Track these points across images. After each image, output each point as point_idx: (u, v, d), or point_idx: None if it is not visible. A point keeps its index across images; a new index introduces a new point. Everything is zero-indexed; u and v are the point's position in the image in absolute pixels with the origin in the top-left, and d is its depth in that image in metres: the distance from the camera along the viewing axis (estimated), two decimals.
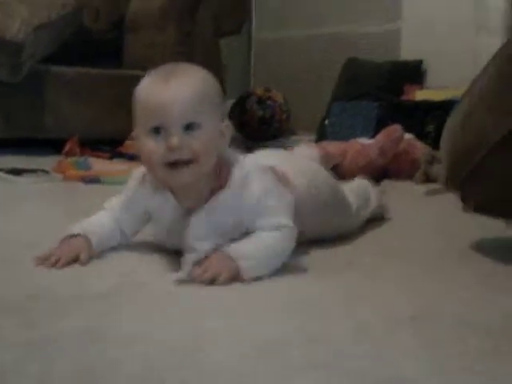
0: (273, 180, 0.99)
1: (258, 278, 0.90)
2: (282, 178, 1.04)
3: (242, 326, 0.74)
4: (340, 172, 2.14)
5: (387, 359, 0.66)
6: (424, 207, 1.71)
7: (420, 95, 2.90)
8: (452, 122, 1.15)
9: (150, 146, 0.92)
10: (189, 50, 2.92)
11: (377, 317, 0.78)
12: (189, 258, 0.92)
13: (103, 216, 1.04)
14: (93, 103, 2.62)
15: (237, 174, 0.96)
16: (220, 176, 0.97)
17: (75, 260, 0.96)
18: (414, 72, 3.19)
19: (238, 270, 0.89)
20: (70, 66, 2.68)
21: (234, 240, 0.95)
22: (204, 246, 0.93)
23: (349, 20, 3.73)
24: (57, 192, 1.69)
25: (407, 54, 3.34)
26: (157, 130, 0.91)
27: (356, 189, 1.33)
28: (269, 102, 3.59)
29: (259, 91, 3.65)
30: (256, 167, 0.99)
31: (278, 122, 3.60)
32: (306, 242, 1.08)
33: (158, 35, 2.91)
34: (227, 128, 0.98)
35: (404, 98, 2.97)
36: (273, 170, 1.03)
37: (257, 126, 3.56)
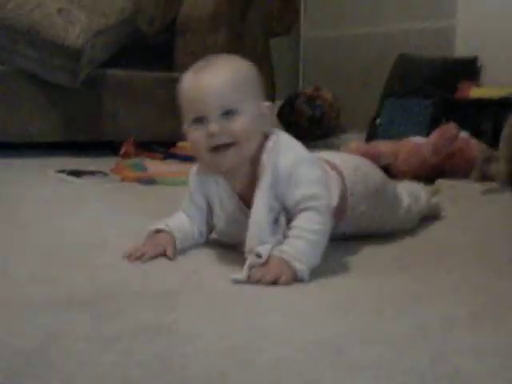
0: (307, 153, 1.01)
1: (311, 279, 0.92)
2: (328, 163, 1.09)
3: (297, 325, 0.76)
4: (392, 171, 2.13)
5: (444, 357, 0.67)
6: (480, 206, 1.69)
7: (475, 92, 2.85)
8: None
9: (194, 135, 0.98)
10: (239, 52, 2.95)
11: (432, 315, 0.79)
12: (251, 261, 0.93)
13: (181, 216, 1.10)
14: (147, 106, 2.68)
15: (269, 144, 0.99)
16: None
17: (161, 254, 1.02)
18: (468, 69, 3.13)
19: (295, 271, 0.91)
20: (124, 70, 2.74)
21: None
22: (264, 251, 0.94)
23: (401, 17, 3.69)
24: (116, 193, 1.74)
25: (462, 50, 3.29)
26: (199, 120, 0.97)
27: (407, 186, 1.34)
28: (318, 101, 3.59)
29: (308, 90, 3.65)
30: (290, 139, 1.02)
31: (328, 121, 3.59)
32: (360, 239, 1.10)
33: (209, 38, 2.95)
34: (268, 108, 1.02)
35: (458, 95, 2.92)
36: (318, 156, 1.07)
37: (306, 125, 3.56)
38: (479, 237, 1.28)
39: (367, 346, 0.69)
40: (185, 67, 3.35)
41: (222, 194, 1.05)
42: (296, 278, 0.91)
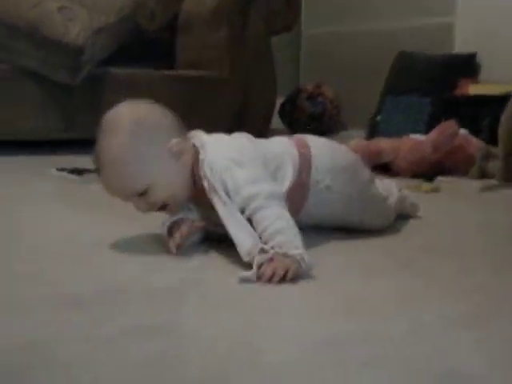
0: (232, 150, 1.04)
1: (312, 278, 0.93)
2: (298, 140, 1.16)
3: (299, 325, 0.76)
4: (393, 168, 2.14)
5: (444, 356, 0.67)
6: (478, 203, 1.70)
7: (474, 89, 2.85)
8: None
9: (137, 206, 1.05)
10: (241, 50, 2.95)
11: (431, 314, 0.80)
12: (259, 259, 0.93)
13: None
14: None
15: (201, 157, 1.03)
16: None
17: (193, 228, 1.07)
18: (467, 66, 3.13)
19: (297, 259, 0.92)
20: (125, 67, 2.75)
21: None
22: (267, 247, 0.95)
23: (401, 14, 3.69)
24: None
25: (461, 48, 3.29)
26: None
27: (379, 182, 1.36)
28: (319, 98, 3.60)
29: (309, 87, 3.66)
30: (214, 142, 1.06)
31: (329, 117, 3.60)
32: (359, 237, 1.10)
33: (210, 35, 2.95)
34: (178, 144, 1.05)
35: (457, 92, 2.92)
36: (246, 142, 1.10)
37: (307, 122, 3.57)
38: (479, 234, 1.29)
39: (368, 345, 0.70)
40: (186, 64, 3.36)
41: (195, 215, 1.10)
42: (301, 266, 0.92)
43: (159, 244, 1.10)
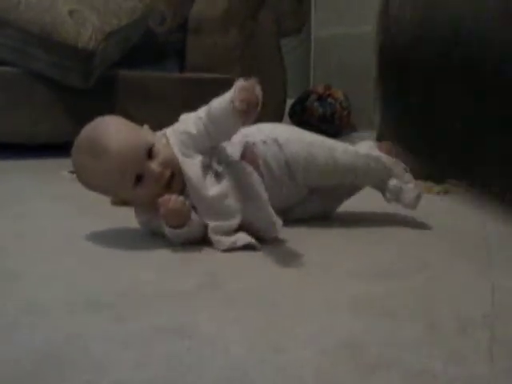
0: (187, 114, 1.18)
1: (325, 280, 0.94)
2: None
3: (314, 327, 0.77)
4: None
5: (459, 358, 0.68)
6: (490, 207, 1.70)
7: None
8: None
9: (144, 190, 1.12)
10: (252, 52, 2.96)
11: (446, 316, 0.80)
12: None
13: None
14: (158, 105, 2.70)
15: (169, 136, 1.16)
16: None
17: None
18: None
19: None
20: (136, 70, 2.76)
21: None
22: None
23: None
24: None
25: None
26: (138, 179, 1.11)
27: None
28: (329, 100, 3.60)
29: (319, 89, 3.66)
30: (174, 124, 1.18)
31: (339, 119, 3.60)
32: (367, 239, 1.11)
33: (220, 37, 2.97)
34: (147, 128, 1.18)
35: None
36: None
37: (317, 124, 3.57)
38: (496, 234, 1.29)
39: (382, 347, 0.71)
40: (196, 67, 3.35)
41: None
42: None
43: (172, 248, 1.11)
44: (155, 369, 0.65)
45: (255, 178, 1.13)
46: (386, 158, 1.31)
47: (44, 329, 0.75)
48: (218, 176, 1.14)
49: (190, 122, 1.14)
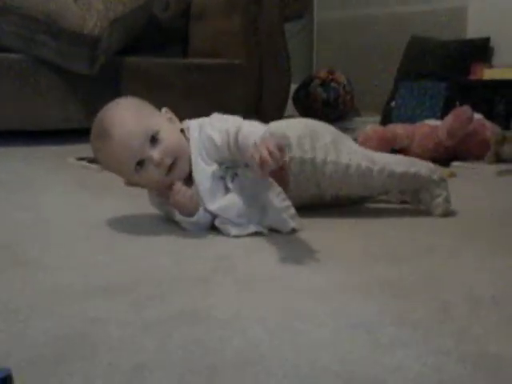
0: (220, 116, 1.18)
1: (336, 264, 0.96)
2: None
3: (328, 308, 0.79)
4: (409, 154, 2.15)
5: (471, 337, 0.70)
6: (497, 187, 1.71)
7: (488, 74, 2.85)
8: None
9: (144, 176, 1.12)
10: (255, 37, 2.96)
11: (458, 295, 0.82)
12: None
13: None
14: (164, 91, 2.71)
15: (192, 132, 1.16)
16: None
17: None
18: (480, 50, 3.13)
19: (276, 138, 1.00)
20: (140, 56, 2.77)
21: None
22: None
23: None
24: None
25: (473, 32, 3.29)
26: (140, 164, 1.11)
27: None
28: (332, 84, 3.61)
29: (322, 74, 3.67)
30: (199, 121, 1.18)
31: (343, 103, 3.61)
32: (376, 223, 1.12)
33: (224, 22, 2.96)
34: (168, 112, 1.19)
35: (471, 76, 2.92)
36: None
37: (321, 108, 3.58)
38: (500, 218, 1.31)
39: (396, 327, 0.73)
40: (200, 52, 3.36)
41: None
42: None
43: (185, 233, 1.13)
44: (174, 352, 0.66)
45: (267, 185, 1.12)
46: (424, 171, 1.28)
47: (64, 314, 0.77)
48: (227, 190, 1.13)
49: (218, 128, 1.12)
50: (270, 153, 0.93)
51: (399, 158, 1.34)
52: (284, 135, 1.18)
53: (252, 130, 1.04)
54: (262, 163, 0.94)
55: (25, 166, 2.00)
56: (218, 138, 1.11)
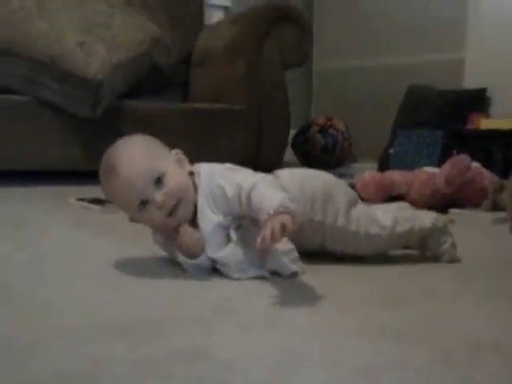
0: (232, 167, 1.17)
1: (338, 307, 0.96)
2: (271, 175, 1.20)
3: (331, 350, 0.79)
4: (407, 201, 2.16)
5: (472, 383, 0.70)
6: (494, 234, 1.72)
7: (485, 124, 2.90)
8: None
9: (146, 216, 1.12)
10: (257, 83, 3.01)
11: (458, 341, 0.82)
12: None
13: None
14: (165, 135, 2.72)
15: (197, 180, 1.15)
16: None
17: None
18: (477, 100, 3.19)
19: (290, 211, 0.97)
20: (142, 100, 2.81)
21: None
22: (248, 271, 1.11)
23: (411, 49, 3.76)
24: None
25: (470, 83, 3.35)
26: (143, 203, 1.11)
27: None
28: (330, 131, 3.65)
29: (321, 120, 3.72)
30: (210, 166, 1.16)
31: (341, 150, 3.65)
32: (381, 265, 1.13)
33: (226, 69, 3.02)
34: (178, 153, 1.19)
35: (468, 126, 2.97)
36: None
37: (319, 154, 3.62)
38: (498, 265, 1.31)
39: (397, 372, 0.72)
40: (200, 98, 3.42)
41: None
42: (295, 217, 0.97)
43: (186, 274, 1.14)
44: None
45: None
46: (428, 222, 1.28)
47: (62, 353, 0.76)
48: (229, 239, 1.12)
49: (230, 179, 1.10)
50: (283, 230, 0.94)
51: (401, 210, 1.35)
52: (299, 208, 1.03)
53: (268, 195, 1.01)
54: (271, 238, 0.94)
55: (24, 205, 2.01)
56: (229, 190, 1.08)
